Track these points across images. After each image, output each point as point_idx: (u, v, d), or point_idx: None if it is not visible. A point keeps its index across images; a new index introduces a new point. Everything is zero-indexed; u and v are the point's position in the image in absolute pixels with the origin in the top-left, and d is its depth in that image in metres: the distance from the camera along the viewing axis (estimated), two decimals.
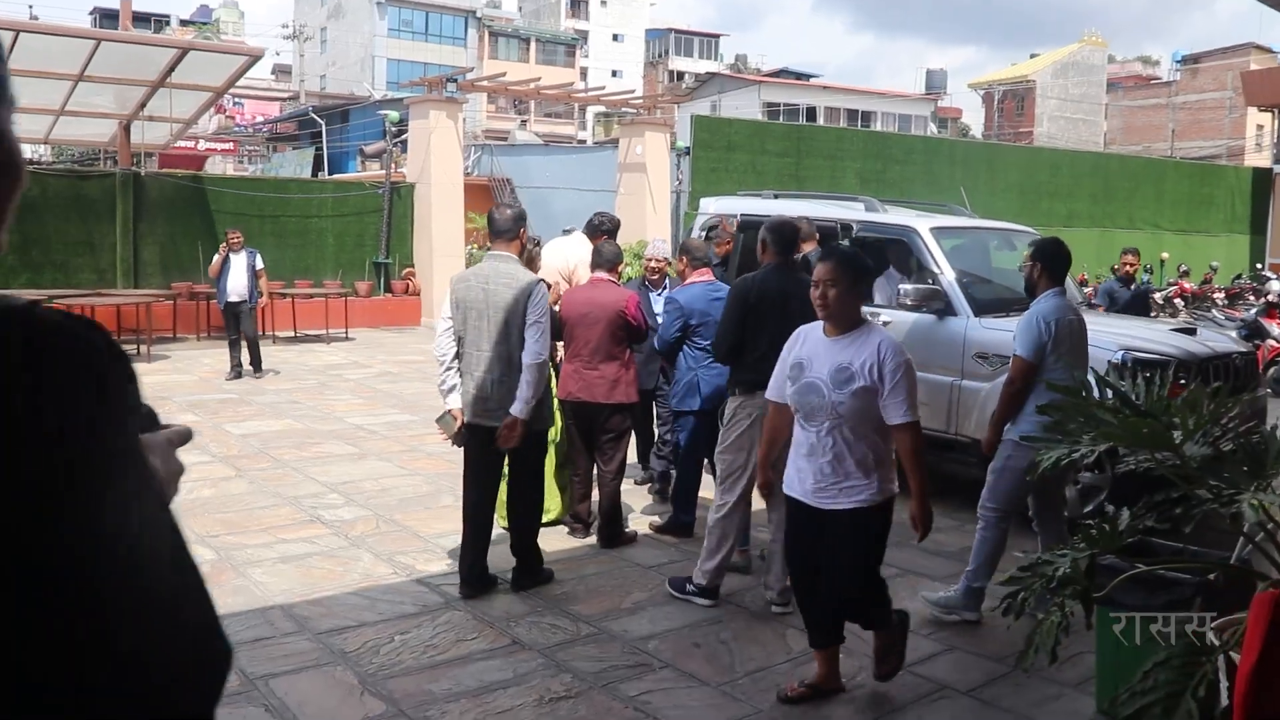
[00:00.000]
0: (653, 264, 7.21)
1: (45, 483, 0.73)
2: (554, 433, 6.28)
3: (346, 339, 16.87)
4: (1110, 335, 6.92)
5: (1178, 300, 23.13)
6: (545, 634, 5.02)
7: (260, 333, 16.56)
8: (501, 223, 5.39)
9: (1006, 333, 6.99)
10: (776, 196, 9.55)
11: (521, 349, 5.20)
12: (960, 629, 5.24)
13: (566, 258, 7.67)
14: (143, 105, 16.03)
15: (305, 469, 8.07)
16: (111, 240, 16.34)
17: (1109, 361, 6.36)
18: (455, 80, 19.58)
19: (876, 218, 8.20)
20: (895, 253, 7.94)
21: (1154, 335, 7.05)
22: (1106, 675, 4.13)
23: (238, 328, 12.70)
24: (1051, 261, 5.40)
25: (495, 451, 5.33)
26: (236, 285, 12.62)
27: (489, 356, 5.26)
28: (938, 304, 7.33)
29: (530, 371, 5.17)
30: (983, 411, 7.09)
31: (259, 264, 12.84)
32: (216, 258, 12.85)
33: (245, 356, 12.76)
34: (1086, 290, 12.94)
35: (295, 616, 5.14)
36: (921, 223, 7.93)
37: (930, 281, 7.49)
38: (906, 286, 7.37)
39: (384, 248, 19.08)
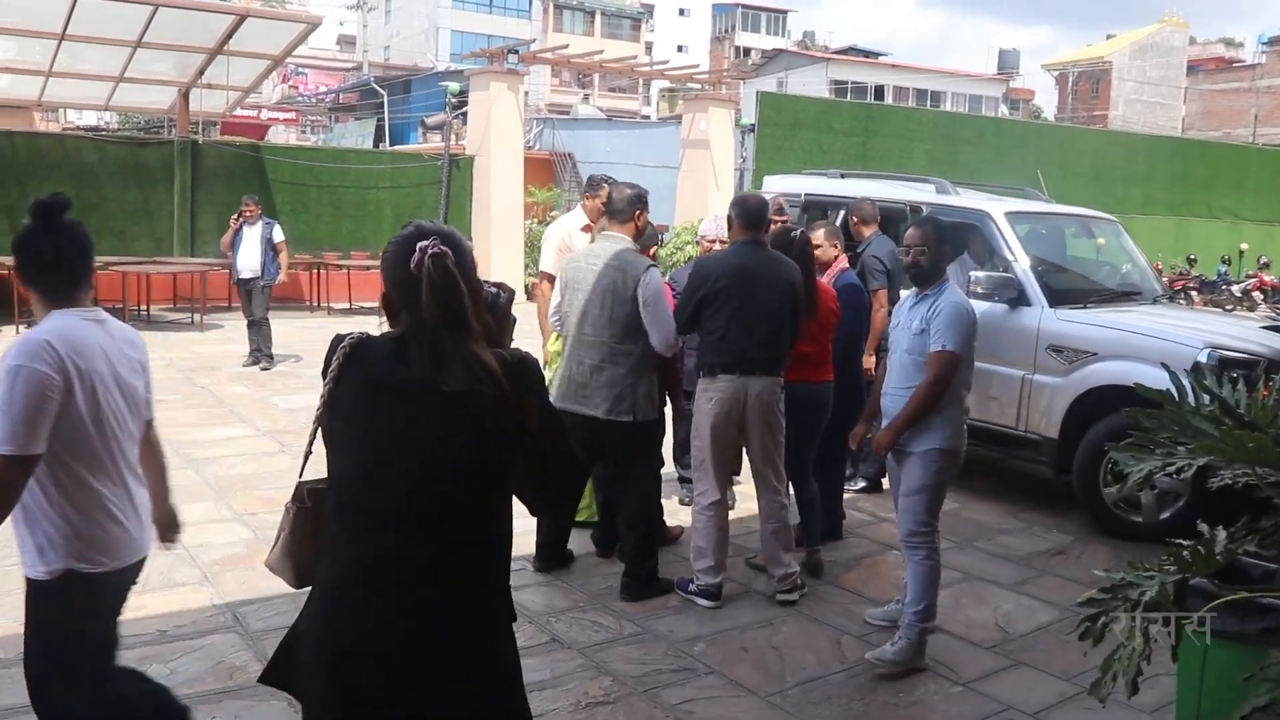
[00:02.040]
0: (706, 243, 6.64)
1: None
2: None
3: None
4: (1193, 331, 6.55)
5: (1257, 294, 22.36)
6: (586, 632, 4.81)
7: (314, 304, 16.71)
8: (616, 202, 5.20)
9: (1085, 325, 6.78)
10: (843, 176, 9.23)
11: (628, 338, 5.00)
12: (1026, 641, 4.94)
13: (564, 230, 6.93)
14: (201, 72, 15.98)
15: None
16: (169, 208, 16.35)
17: (1196, 361, 5.99)
18: (517, 52, 19.33)
19: (948, 200, 7.88)
20: (967, 238, 7.59)
21: (1243, 332, 6.66)
22: (1188, 704, 3.81)
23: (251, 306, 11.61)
24: (947, 247, 4.74)
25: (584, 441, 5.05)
26: (249, 260, 11.46)
27: (590, 341, 5.05)
28: (1010, 293, 7.01)
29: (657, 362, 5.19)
30: (1052, 408, 6.78)
31: (277, 236, 11.59)
32: (229, 230, 11.80)
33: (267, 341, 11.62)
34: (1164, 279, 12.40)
35: None
36: (995, 207, 7.61)
37: (1003, 269, 7.16)
38: (978, 274, 7.04)
39: (442, 220, 18.67)
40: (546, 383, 2.35)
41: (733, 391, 5.01)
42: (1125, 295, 7.68)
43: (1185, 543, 3.10)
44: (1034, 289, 7.03)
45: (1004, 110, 54.32)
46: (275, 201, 17.38)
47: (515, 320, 2.41)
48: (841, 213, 8.04)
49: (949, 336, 4.46)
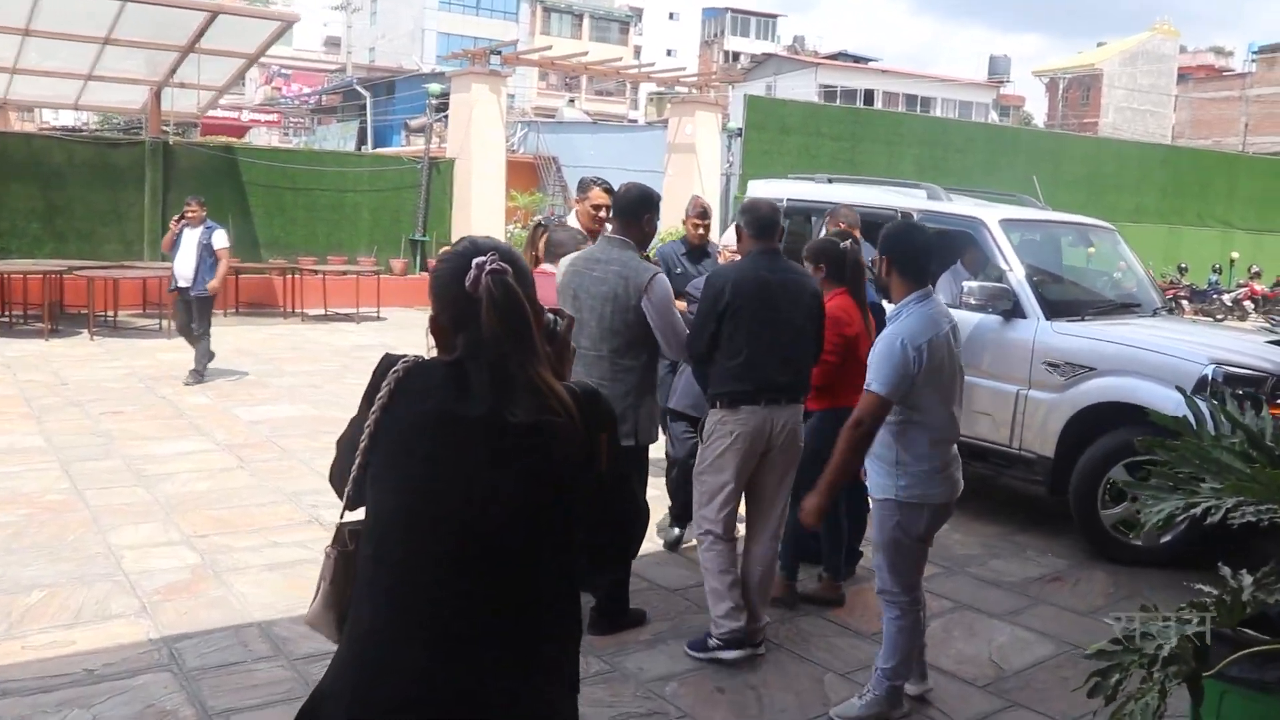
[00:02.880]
0: (729, 253, 5.89)
1: None
2: None
3: (378, 319, 16.45)
4: (1197, 346, 6.27)
5: (1247, 303, 22.20)
6: None
7: (288, 310, 16.34)
8: (621, 202, 4.77)
9: (1082, 339, 6.53)
10: (831, 180, 8.96)
11: (630, 352, 4.59)
12: (1021, 678, 4.63)
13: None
14: (173, 71, 15.62)
15: (312, 461, 7.58)
16: (139, 210, 16.01)
17: (1201, 377, 5.71)
18: (499, 53, 19.07)
19: (939, 207, 7.61)
20: (959, 247, 7.32)
21: (1247, 347, 6.37)
22: None
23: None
24: (904, 255, 4.01)
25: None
26: (184, 267, 10.40)
27: (587, 356, 4.59)
28: (1005, 304, 6.74)
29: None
30: (1047, 426, 6.53)
31: (218, 243, 10.53)
32: (169, 232, 10.83)
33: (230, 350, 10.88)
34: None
35: (273, 637, 4.63)
36: (989, 214, 7.35)
37: (997, 279, 6.89)
38: (971, 284, 6.77)
39: (421, 225, 18.68)
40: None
41: (757, 424, 4.50)
42: (1124, 307, 7.44)
43: (1209, 590, 2.79)
44: (1029, 300, 6.77)
45: (994, 116, 54.31)
46: (250, 204, 17.15)
47: (575, 351, 2.18)
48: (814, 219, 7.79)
49: (873, 373, 3.90)
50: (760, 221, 4.65)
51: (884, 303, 5.34)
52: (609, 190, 6.16)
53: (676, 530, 6.11)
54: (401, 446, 1.90)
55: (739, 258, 5.47)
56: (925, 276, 4.05)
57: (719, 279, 4.59)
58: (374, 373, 1.97)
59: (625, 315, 4.54)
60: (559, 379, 1.98)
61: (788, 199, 8.48)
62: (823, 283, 5.12)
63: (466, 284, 1.89)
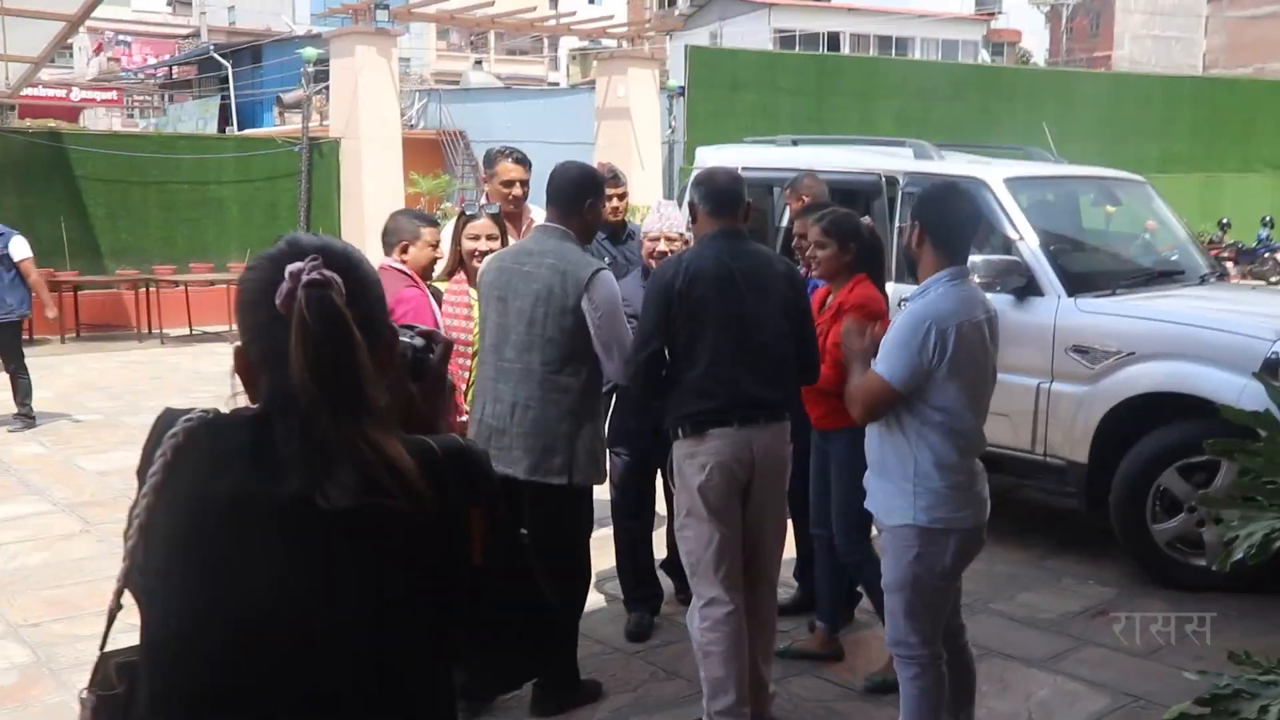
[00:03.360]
0: (660, 248, 5.58)
1: None
2: None
3: None
4: (1257, 317, 6.25)
5: None
6: None
7: (143, 331, 15.99)
8: (556, 185, 4.57)
9: (1115, 317, 6.47)
10: (795, 143, 8.85)
11: (567, 365, 4.39)
12: None
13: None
14: None
15: None
16: None
17: (1268, 358, 5.65)
18: (386, 6, 18.84)
19: (930, 167, 7.50)
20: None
21: None
22: None
23: None
24: (942, 223, 3.97)
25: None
26: None
27: (512, 369, 4.41)
28: (1016, 280, 6.66)
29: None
30: (1077, 425, 6.47)
31: (17, 252, 10.06)
32: None
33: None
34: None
35: None
36: (991, 172, 7.27)
37: (1005, 251, 6.82)
38: (975, 259, 6.67)
39: (303, 220, 18.47)
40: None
41: (733, 451, 4.22)
42: (1164, 275, 7.40)
43: None
44: (1046, 274, 6.69)
45: (985, 56, 54.75)
46: (85, 204, 16.87)
47: (454, 387, 1.95)
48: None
49: (885, 355, 3.86)
50: (719, 194, 4.40)
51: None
52: (521, 161, 6.04)
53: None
54: (181, 545, 1.60)
55: (677, 247, 5.34)
56: (964, 251, 4.01)
57: (668, 269, 4.34)
58: (148, 437, 1.70)
59: (561, 319, 4.35)
60: (431, 430, 1.75)
61: (743, 168, 8.37)
62: (844, 266, 4.90)
63: (277, 301, 1.60)
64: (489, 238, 5.19)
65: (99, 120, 37.96)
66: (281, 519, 1.57)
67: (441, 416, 1.90)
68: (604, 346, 4.36)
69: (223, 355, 15.24)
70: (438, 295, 5.17)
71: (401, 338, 1.85)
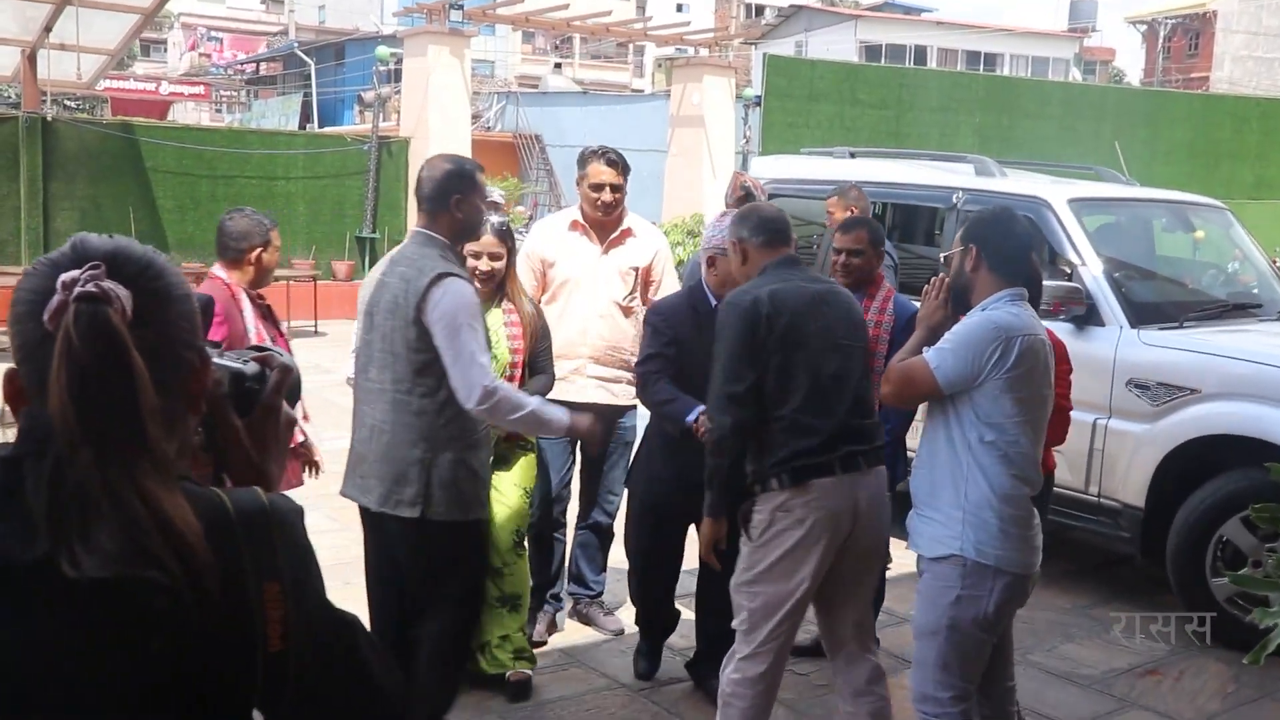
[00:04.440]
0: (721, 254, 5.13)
1: None
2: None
3: (315, 333, 16.11)
4: None
5: None
6: None
7: None
8: (422, 185, 4.14)
9: (1181, 351, 6.16)
10: (853, 155, 8.62)
11: (419, 383, 3.98)
12: None
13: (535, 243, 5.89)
14: (48, 29, 15.28)
15: None
16: (14, 204, 15.69)
17: None
18: (461, 6, 18.73)
19: (990, 185, 7.28)
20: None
21: None
22: None
23: None
24: (1000, 246, 3.84)
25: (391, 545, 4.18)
26: None
27: (372, 388, 4.07)
28: (1077, 308, 6.40)
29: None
30: (1135, 466, 6.17)
31: None
32: None
33: None
34: None
35: None
36: (1055, 192, 7.00)
37: (1067, 276, 6.55)
38: None
39: (370, 219, 18.48)
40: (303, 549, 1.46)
41: (836, 503, 3.82)
42: (1238, 309, 7.07)
43: None
44: (1109, 302, 6.41)
45: (1076, 74, 53.90)
46: (156, 196, 16.94)
47: (294, 421, 1.65)
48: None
49: (939, 350, 3.70)
50: (770, 225, 4.12)
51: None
52: (615, 164, 5.49)
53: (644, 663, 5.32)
54: None
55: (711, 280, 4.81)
56: (1023, 275, 3.83)
57: (746, 295, 3.94)
58: None
59: (406, 332, 3.94)
60: (260, 476, 1.47)
61: (800, 180, 8.15)
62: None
63: (45, 316, 1.33)
64: (491, 257, 4.74)
65: (188, 115, 38.48)
66: (16, 589, 1.26)
67: (273, 459, 1.59)
68: (447, 364, 3.92)
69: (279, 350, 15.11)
70: (269, 313, 4.81)
71: (221, 361, 1.56)
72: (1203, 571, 5.87)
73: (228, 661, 1.32)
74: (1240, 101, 26.80)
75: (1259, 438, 5.64)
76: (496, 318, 4.76)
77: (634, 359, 5.50)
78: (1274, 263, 7.98)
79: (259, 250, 4.74)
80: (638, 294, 5.63)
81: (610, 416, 5.47)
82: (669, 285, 5.76)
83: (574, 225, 5.52)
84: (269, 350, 1.67)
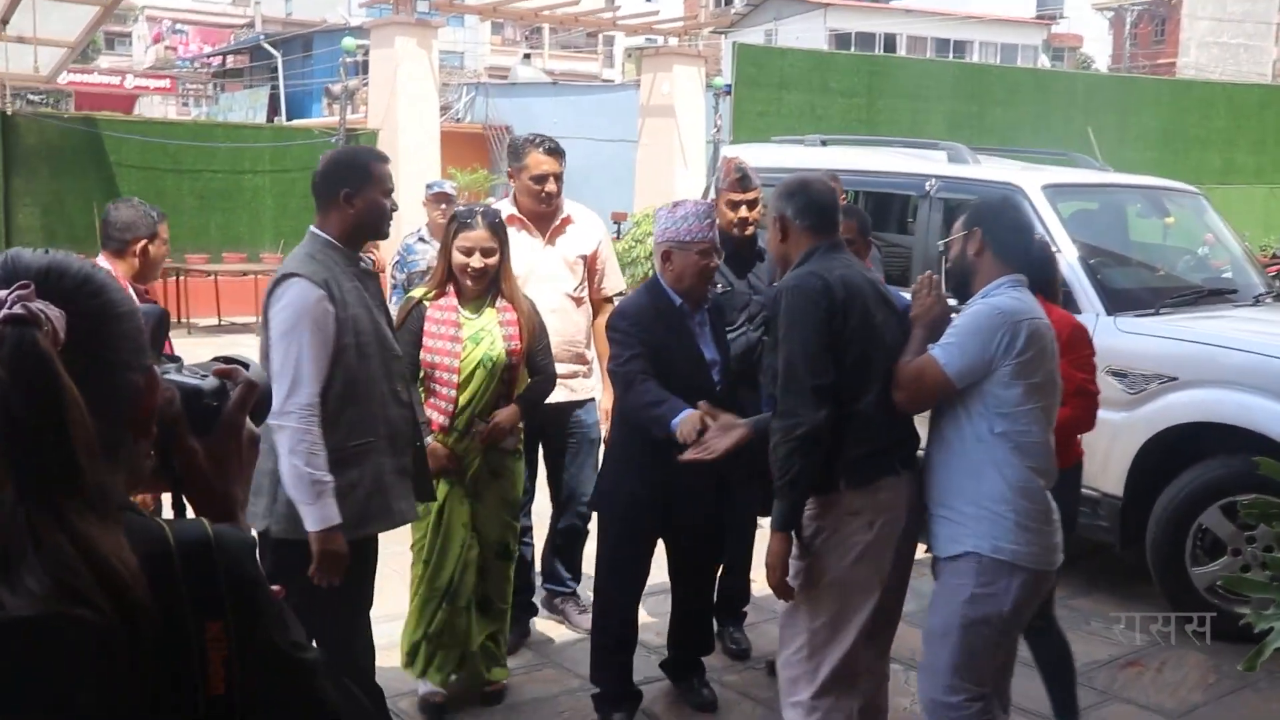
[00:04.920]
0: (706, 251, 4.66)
1: None
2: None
3: None
4: None
5: None
6: None
7: (180, 320, 15.77)
8: (314, 180, 3.88)
9: (1158, 339, 6.10)
10: (825, 143, 8.56)
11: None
12: None
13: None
14: (5, 21, 15.05)
15: None
16: None
17: None
18: None
19: (963, 172, 7.22)
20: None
21: None
22: None
23: None
24: (1003, 232, 3.76)
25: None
26: None
27: None
28: (1052, 295, 6.26)
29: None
30: (1113, 455, 6.09)
31: None
32: None
33: None
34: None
35: None
36: (1029, 179, 6.93)
37: None
38: None
39: None
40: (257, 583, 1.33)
41: (895, 502, 3.64)
42: (1215, 294, 7.02)
43: None
44: (1085, 289, 6.35)
45: (1045, 61, 54.04)
46: (120, 191, 16.61)
47: (256, 439, 1.54)
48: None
49: (945, 344, 3.57)
50: (820, 208, 3.81)
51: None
52: (555, 152, 5.21)
53: None
54: None
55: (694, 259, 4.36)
56: (1023, 261, 3.76)
57: (814, 279, 3.61)
58: None
59: (261, 335, 3.77)
60: (223, 501, 1.38)
61: (769, 169, 8.07)
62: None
63: None
64: (484, 253, 4.44)
65: (154, 108, 38.21)
66: None
67: (236, 481, 1.48)
68: (270, 371, 3.53)
69: (247, 346, 14.94)
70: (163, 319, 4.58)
71: (178, 377, 1.44)
72: (1182, 561, 5.82)
73: (164, 705, 1.22)
74: (1208, 87, 26.89)
75: (1238, 425, 5.60)
76: (490, 317, 4.52)
77: (589, 351, 5.40)
78: (1247, 247, 7.96)
79: (144, 242, 4.55)
80: (586, 283, 5.42)
81: (567, 413, 5.34)
82: (612, 271, 5.62)
83: (510, 220, 5.09)
84: (236, 362, 1.56)
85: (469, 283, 4.44)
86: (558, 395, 5.06)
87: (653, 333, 4.31)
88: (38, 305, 1.19)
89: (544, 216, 5.26)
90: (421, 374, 4.49)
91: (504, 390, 4.55)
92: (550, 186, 5.14)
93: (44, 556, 1.14)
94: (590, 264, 5.43)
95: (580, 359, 5.34)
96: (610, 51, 56.02)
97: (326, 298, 3.65)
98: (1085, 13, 58.24)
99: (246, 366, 1.55)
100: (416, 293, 4.64)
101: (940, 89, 20.82)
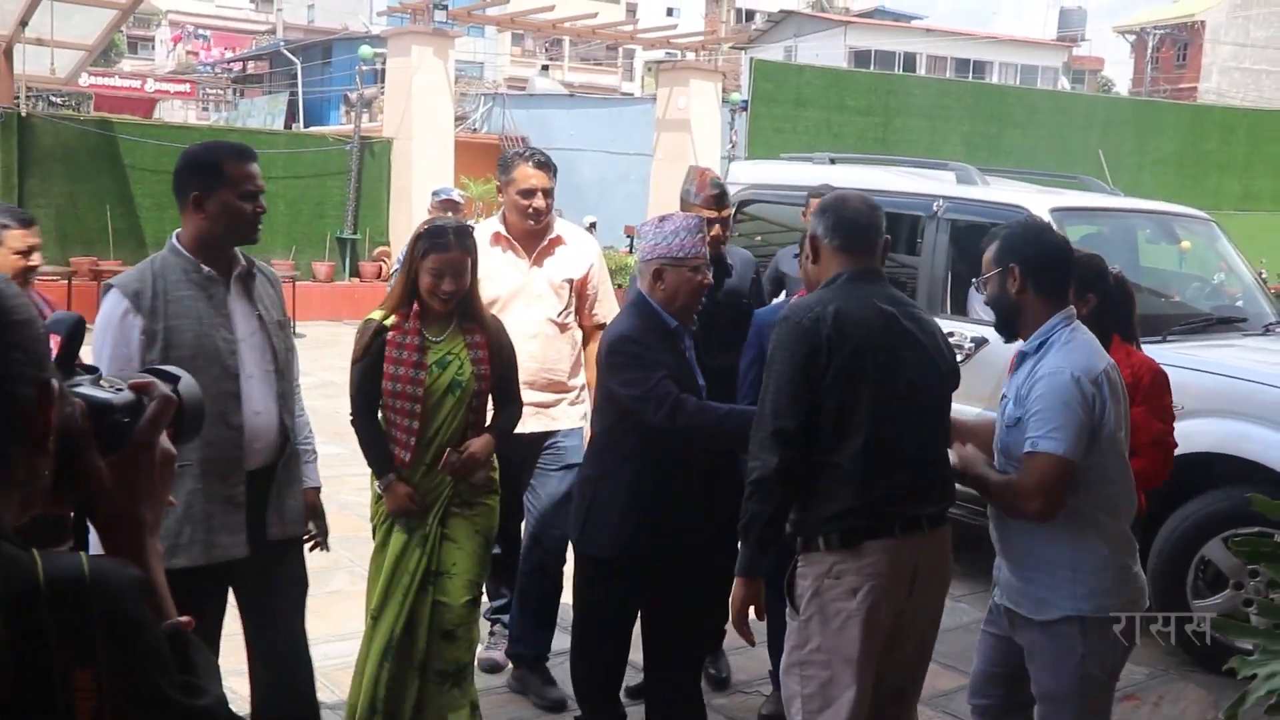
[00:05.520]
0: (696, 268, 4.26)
1: None
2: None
3: (295, 335, 15.84)
4: None
5: None
6: None
7: None
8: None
9: (1164, 367, 5.89)
10: (833, 161, 8.47)
11: None
12: None
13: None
14: (23, 22, 15.10)
15: None
16: None
17: None
18: (445, 7, 18.58)
19: (971, 194, 7.12)
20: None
21: None
22: None
23: None
24: (1043, 265, 3.48)
25: None
26: None
27: None
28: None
29: None
30: None
31: None
32: None
33: None
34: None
35: None
36: (1038, 201, 6.84)
37: None
38: None
39: (351, 220, 18.37)
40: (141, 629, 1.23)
41: (894, 569, 3.28)
42: (1224, 322, 6.91)
43: None
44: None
45: (1065, 83, 53.90)
46: (134, 194, 16.77)
47: (171, 459, 1.44)
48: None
49: (1044, 424, 3.26)
50: (854, 226, 3.46)
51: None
52: (544, 166, 4.91)
53: None
54: None
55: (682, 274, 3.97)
56: (1068, 292, 3.52)
57: (807, 311, 3.29)
58: None
59: None
60: (129, 523, 1.32)
61: (777, 186, 8.01)
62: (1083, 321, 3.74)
63: None
64: (455, 276, 4.00)
65: (174, 113, 38.29)
66: None
67: (146, 502, 1.39)
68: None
69: None
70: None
71: (88, 391, 1.36)
72: (1183, 593, 5.70)
73: None
74: (1228, 113, 26.79)
75: (1242, 456, 5.51)
76: (457, 340, 4.12)
77: (570, 379, 5.07)
78: (1260, 275, 7.85)
79: None
80: (573, 309, 5.08)
81: (536, 444, 4.96)
82: (606, 297, 5.23)
83: (496, 239, 4.90)
84: (166, 375, 1.47)
85: (437, 306, 4.08)
86: (533, 425, 4.78)
87: (663, 356, 3.90)
88: None
89: (532, 235, 4.94)
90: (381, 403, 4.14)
91: (473, 419, 4.15)
92: (538, 201, 4.83)
93: None
94: (580, 288, 5.10)
95: (560, 387, 5.00)
96: (630, 65, 56.01)
97: (132, 310, 3.37)
98: (1107, 36, 58.10)
99: (177, 380, 1.47)
100: (375, 314, 4.20)
101: (958, 109, 20.82)
